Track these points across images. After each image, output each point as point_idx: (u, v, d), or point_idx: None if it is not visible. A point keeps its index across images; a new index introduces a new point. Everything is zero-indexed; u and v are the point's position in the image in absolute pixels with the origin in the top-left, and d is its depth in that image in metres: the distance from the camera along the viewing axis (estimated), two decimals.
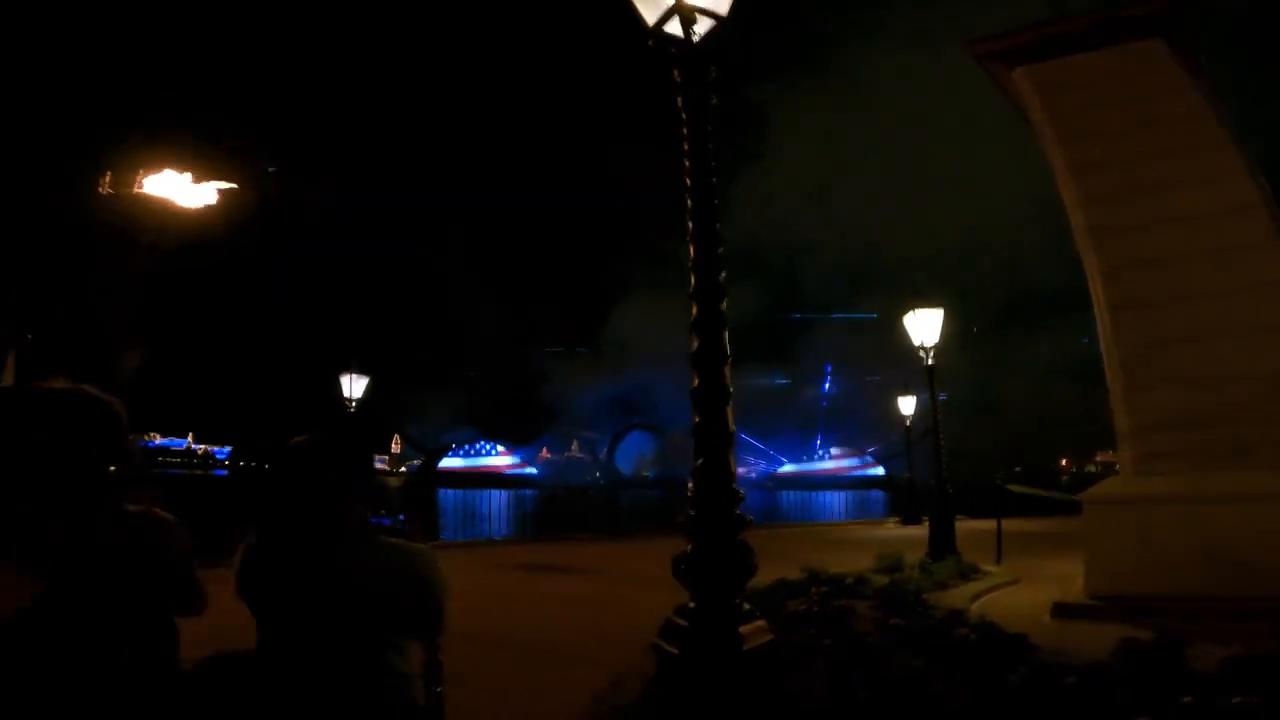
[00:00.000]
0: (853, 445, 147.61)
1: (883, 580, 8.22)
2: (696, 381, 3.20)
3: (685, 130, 3.39)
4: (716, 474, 3.07)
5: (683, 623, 2.91)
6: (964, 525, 12.11)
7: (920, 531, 13.83)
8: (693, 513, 3.06)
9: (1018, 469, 69.76)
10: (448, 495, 73.94)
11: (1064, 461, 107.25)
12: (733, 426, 3.18)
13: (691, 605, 2.94)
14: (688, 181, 3.36)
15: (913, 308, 11.90)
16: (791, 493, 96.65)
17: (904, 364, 13.61)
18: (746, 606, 2.96)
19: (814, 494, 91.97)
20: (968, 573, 9.49)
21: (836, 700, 3.84)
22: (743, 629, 2.84)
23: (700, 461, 3.12)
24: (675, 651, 2.87)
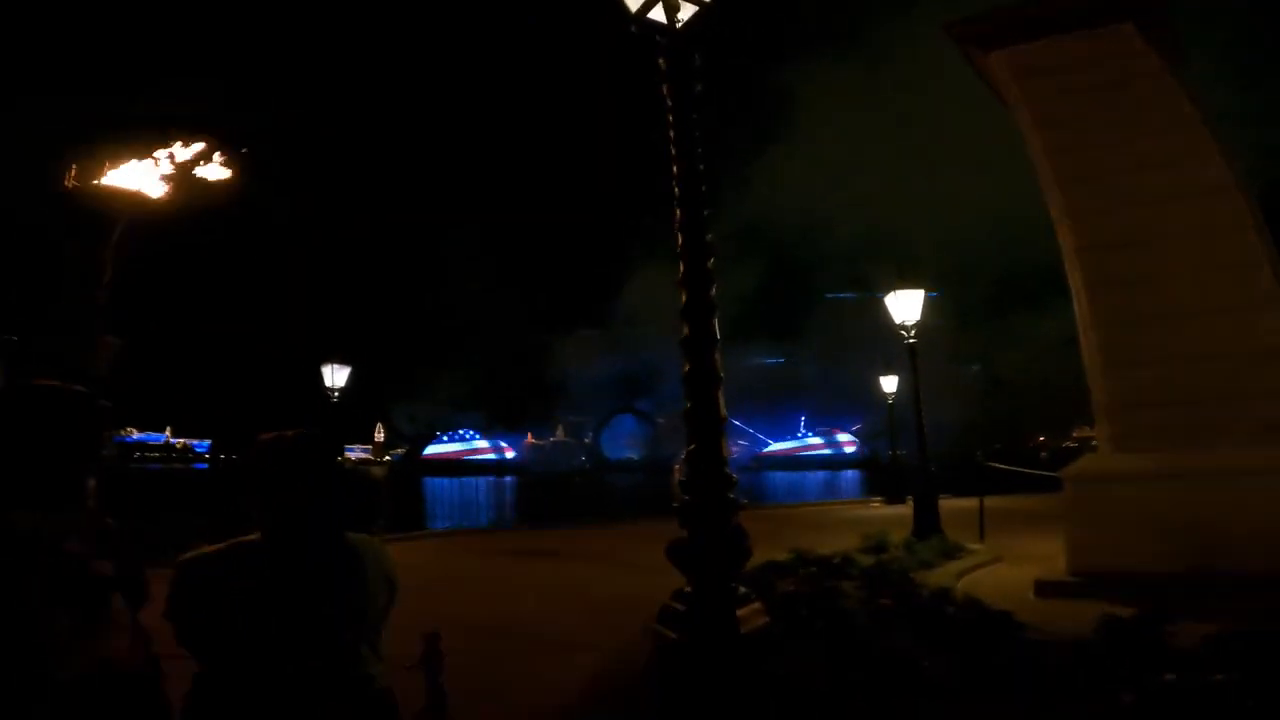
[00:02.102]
0: (840, 425, 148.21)
1: (869, 560, 8.31)
2: (688, 367, 3.20)
3: (671, 118, 3.38)
4: (709, 459, 3.08)
5: (680, 608, 2.94)
6: (947, 503, 12.23)
7: (904, 510, 13.97)
8: (686, 498, 3.06)
9: (997, 446, 70.58)
10: (433, 484, 73.76)
11: (1041, 438, 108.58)
12: (724, 411, 3.18)
13: (688, 590, 2.96)
14: (675, 169, 3.36)
15: (897, 288, 12.01)
16: (777, 473, 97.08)
17: (892, 344, 13.66)
18: (742, 590, 2.99)
19: (800, 474, 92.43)
20: (952, 551, 9.62)
21: (832, 682, 3.89)
22: (740, 612, 2.87)
23: (693, 447, 3.12)
24: (673, 636, 2.90)
